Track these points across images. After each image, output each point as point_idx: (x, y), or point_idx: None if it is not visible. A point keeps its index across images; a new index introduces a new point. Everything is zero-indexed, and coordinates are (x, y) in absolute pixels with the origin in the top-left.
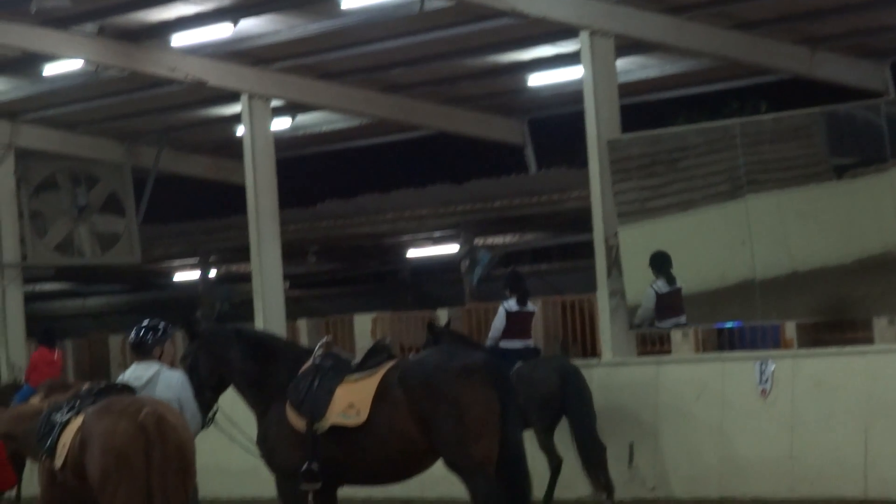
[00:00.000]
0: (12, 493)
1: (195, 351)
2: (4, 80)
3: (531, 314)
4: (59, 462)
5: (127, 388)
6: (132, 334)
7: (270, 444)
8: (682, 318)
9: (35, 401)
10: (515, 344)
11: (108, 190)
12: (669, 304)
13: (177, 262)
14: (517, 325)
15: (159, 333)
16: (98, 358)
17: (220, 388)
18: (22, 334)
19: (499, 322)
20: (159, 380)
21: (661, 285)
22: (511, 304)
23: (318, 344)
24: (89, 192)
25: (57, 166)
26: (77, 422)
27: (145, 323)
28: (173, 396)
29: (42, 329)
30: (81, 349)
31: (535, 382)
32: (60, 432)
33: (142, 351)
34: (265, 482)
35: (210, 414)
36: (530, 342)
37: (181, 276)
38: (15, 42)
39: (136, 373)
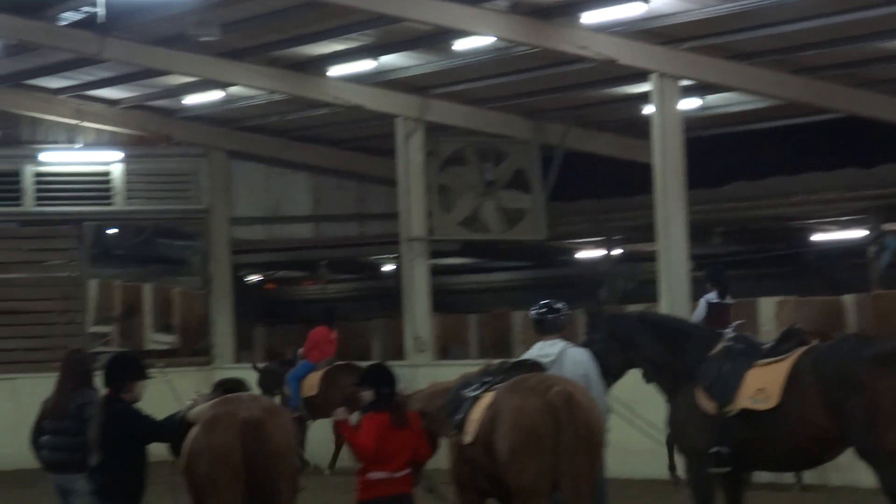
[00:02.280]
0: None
1: (603, 338)
2: (416, 55)
3: (730, 306)
4: (468, 437)
5: (536, 365)
6: (538, 311)
7: (680, 427)
8: None
9: (315, 377)
10: None
11: (515, 166)
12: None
13: (581, 240)
14: (717, 315)
15: (564, 313)
16: (500, 333)
17: (620, 375)
18: (427, 308)
19: (699, 313)
20: (566, 357)
21: (713, 296)
22: (712, 296)
23: (730, 326)
24: (496, 167)
25: (465, 141)
26: (487, 398)
27: (549, 301)
28: (581, 373)
29: (323, 309)
30: (484, 324)
31: None
32: (470, 408)
33: (548, 328)
34: (665, 463)
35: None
36: None
37: (584, 254)
38: (427, 17)
39: (542, 350)
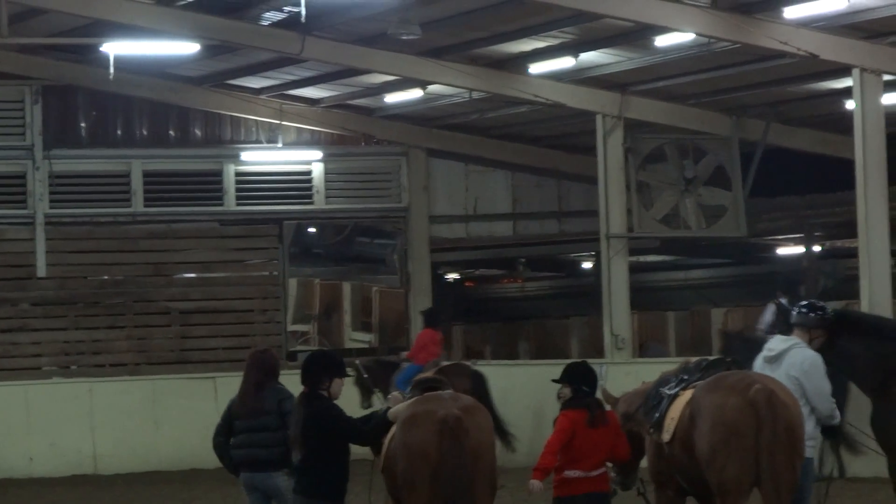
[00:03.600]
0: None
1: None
2: (616, 52)
3: None
4: (666, 436)
5: (735, 363)
6: (798, 309)
7: (888, 426)
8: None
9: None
10: None
11: (716, 163)
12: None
13: (781, 237)
14: None
15: (816, 314)
16: (699, 330)
17: None
18: (626, 305)
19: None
20: (788, 355)
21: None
22: None
23: None
24: (696, 164)
25: (665, 138)
26: (686, 396)
27: (807, 300)
28: (796, 373)
29: (428, 311)
30: (683, 321)
31: None
32: (669, 406)
33: (794, 325)
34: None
35: None
36: None
37: (784, 251)
38: (628, 13)
39: (771, 344)
